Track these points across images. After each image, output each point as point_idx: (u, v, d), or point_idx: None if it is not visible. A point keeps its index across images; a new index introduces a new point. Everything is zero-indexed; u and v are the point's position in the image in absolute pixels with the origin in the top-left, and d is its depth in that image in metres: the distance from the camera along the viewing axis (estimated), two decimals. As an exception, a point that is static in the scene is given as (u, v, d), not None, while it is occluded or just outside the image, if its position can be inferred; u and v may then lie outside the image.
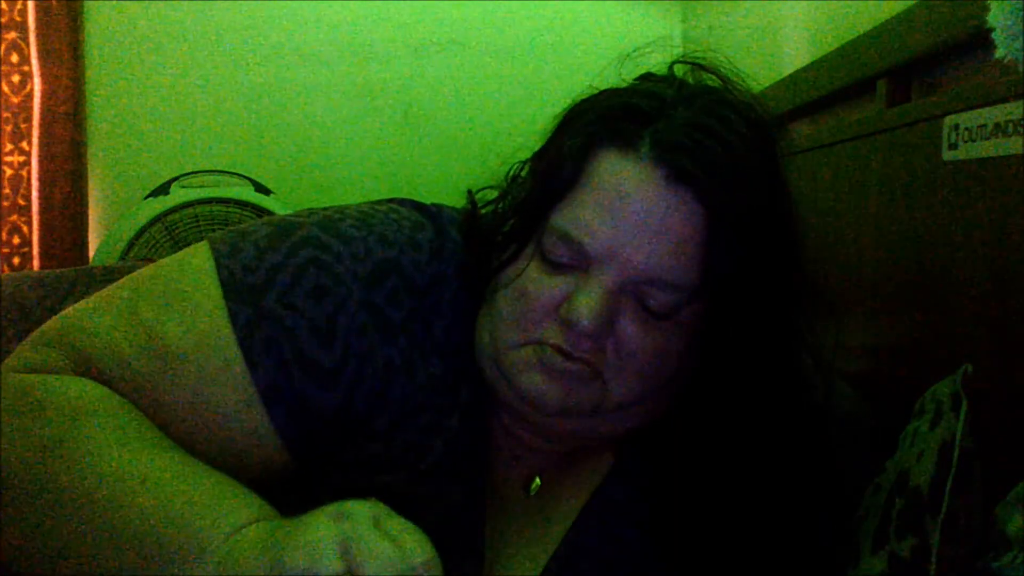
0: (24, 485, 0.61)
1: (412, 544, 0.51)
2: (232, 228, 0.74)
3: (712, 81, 0.72)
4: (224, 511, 0.57)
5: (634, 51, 0.75)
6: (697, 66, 0.73)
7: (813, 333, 0.73)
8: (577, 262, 0.67)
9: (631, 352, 0.67)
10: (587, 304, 0.65)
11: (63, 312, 0.71)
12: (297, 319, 0.68)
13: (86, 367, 0.67)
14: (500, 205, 0.76)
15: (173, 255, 0.74)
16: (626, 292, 0.66)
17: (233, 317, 0.67)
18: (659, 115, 0.68)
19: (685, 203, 0.66)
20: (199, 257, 0.71)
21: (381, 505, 0.55)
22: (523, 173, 0.76)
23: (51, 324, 0.70)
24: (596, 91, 0.73)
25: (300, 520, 0.53)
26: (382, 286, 0.70)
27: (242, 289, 0.68)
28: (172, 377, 0.67)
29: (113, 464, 0.60)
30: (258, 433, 0.68)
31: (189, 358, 0.67)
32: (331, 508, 0.53)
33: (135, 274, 0.73)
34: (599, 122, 0.69)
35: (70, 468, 0.60)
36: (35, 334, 0.70)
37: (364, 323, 0.69)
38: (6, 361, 0.68)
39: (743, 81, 0.73)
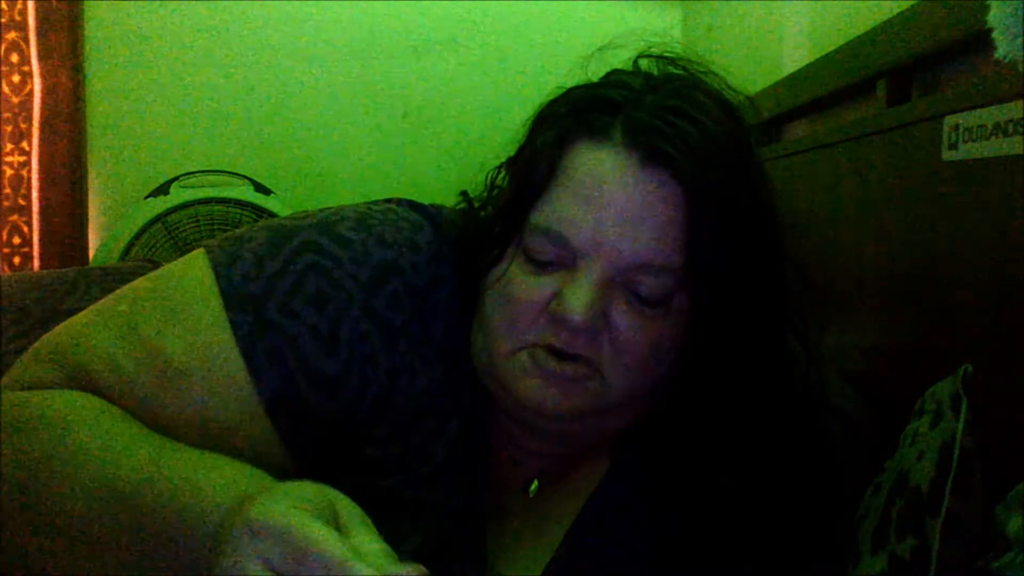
0: (19, 502, 0.61)
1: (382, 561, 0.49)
2: (228, 235, 0.73)
3: (678, 73, 0.73)
4: (215, 487, 0.55)
5: (599, 49, 0.75)
6: (662, 59, 0.73)
7: (803, 320, 0.73)
8: (563, 258, 0.67)
9: (627, 343, 0.66)
10: (578, 298, 0.65)
11: (61, 325, 0.71)
12: (299, 327, 0.67)
13: (86, 383, 0.66)
14: (483, 211, 0.76)
15: (169, 266, 0.73)
16: (615, 283, 0.66)
17: (235, 327, 0.67)
18: (629, 103, 0.68)
19: (663, 184, 0.66)
20: (197, 267, 0.70)
21: (356, 509, 0.53)
22: (500, 179, 0.76)
23: (49, 339, 0.70)
24: (563, 90, 0.73)
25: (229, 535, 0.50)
26: (382, 290, 0.70)
27: (243, 298, 0.68)
28: (175, 392, 0.66)
29: (104, 468, 0.59)
30: (263, 443, 0.67)
31: (191, 372, 0.66)
32: (264, 518, 0.49)
33: (133, 286, 0.72)
34: (570, 116, 0.69)
35: (62, 480, 0.60)
36: (33, 349, 0.70)
37: (366, 329, 0.69)
38: (5, 377, 0.68)
39: (708, 69, 0.73)
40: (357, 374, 0.69)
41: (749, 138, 0.71)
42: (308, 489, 0.52)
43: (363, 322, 0.69)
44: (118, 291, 0.72)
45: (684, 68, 0.72)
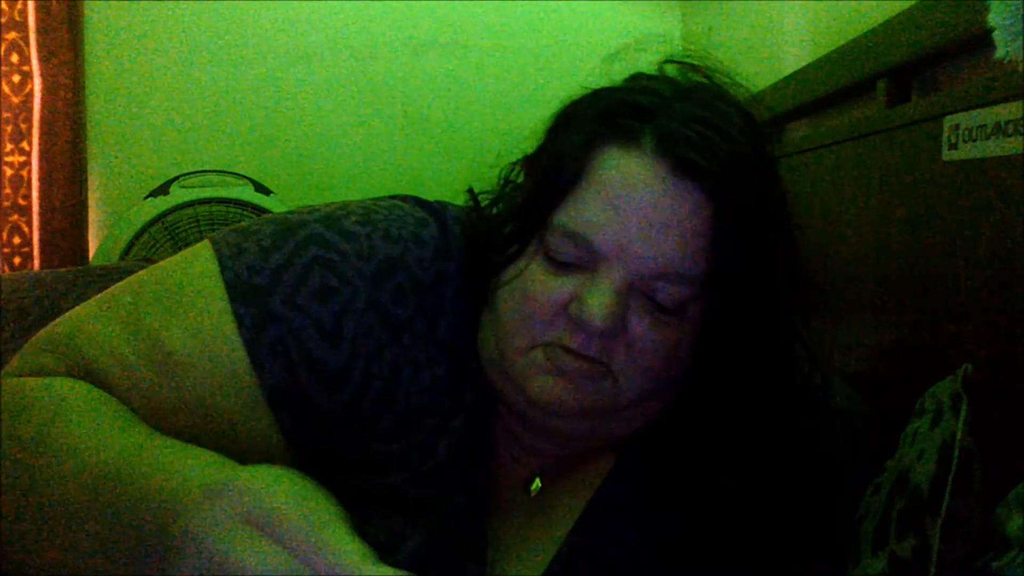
0: (10, 485, 0.61)
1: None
2: (234, 227, 0.73)
3: (700, 80, 0.73)
4: (189, 472, 0.54)
5: (620, 50, 0.75)
6: (686, 66, 0.73)
7: (809, 328, 0.73)
8: (584, 261, 0.67)
9: (643, 349, 0.66)
10: (599, 303, 0.64)
11: (64, 316, 0.71)
12: (304, 320, 0.67)
13: (86, 372, 0.66)
14: (495, 209, 0.76)
15: (174, 257, 0.73)
16: (636, 289, 0.66)
17: (239, 319, 0.67)
18: (659, 110, 0.68)
19: (691, 195, 0.66)
20: (202, 259, 0.70)
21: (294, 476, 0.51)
22: (514, 175, 0.76)
23: (52, 329, 0.70)
24: (589, 91, 0.73)
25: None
26: (388, 284, 0.70)
27: (247, 290, 0.68)
28: (177, 383, 0.66)
29: (87, 454, 0.59)
30: (264, 437, 0.67)
31: (194, 364, 0.66)
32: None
33: (136, 277, 0.72)
34: (599, 119, 0.69)
35: (46, 464, 0.60)
36: (35, 338, 0.70)
37: (371, 323, 0.69)
38: (7, 367, 0.68)
39: (731, 79, 0.73)
40: (361, 368, 0.69)
41: (770, 149, 0.72)
42: (284, 471, 0.52)
43: (368, 316, 0.69)
44: (121, 283, 0.72)
45: (706, 76, 0.72)
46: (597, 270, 0.66)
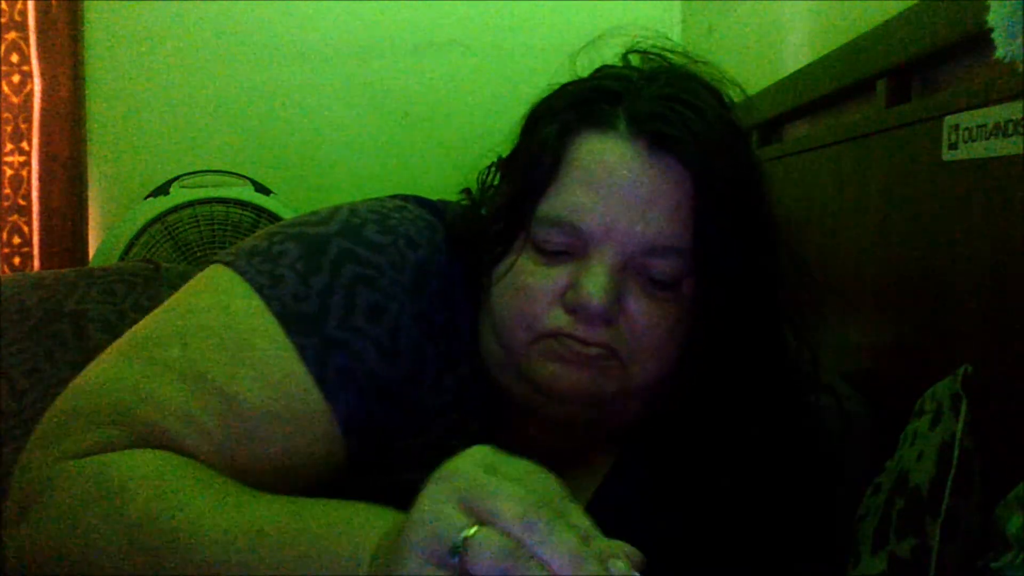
0: (125, 567, 0.56)
1: (537, 482, 0.48)
2: (243, 248, 0.70)
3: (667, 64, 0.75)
4: (359, 529, 0.52)
5: (589, 43, 0.78)
6: (648, 54, 0.75)
7: (801, 312, 0.74)
8: (574, 247, 0.67)
9: (644, 328, 0.67)
10: (594, 284, 0.65)
11: (103, 381, 0.65)
12: (363, 341, 0.66)
13: (157, 440, 0.62)
14: (482, 209, 0.76)
15: (196, 293, 0.69)
16: (628, 269, 0.67)
17: (301, 351, 0.65)
18: (628, 92, 0.70)
19: (669, 168, 0.67)
20: (237, 294, 0.67)
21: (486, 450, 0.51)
22: (490, 179, 0.76)
23: (99, 400, 0.64)
24: (556, 86, 0.75)
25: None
26: (425, 292, 0.70)
27: (300, 319, 0.66)
28: (261, 436, 0.63)
29: (218, 528, 0.54)
30: (339, 461, 0.67)
31: (271, 411, 0.64)
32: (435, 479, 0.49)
33: (168, 325, 0.68)
34: (572, 108, 0.71)
35: (170, 543, 0.55)
36: (73, 408, 0.64)
37: (419, 334, 0.69)
38: (51, 449, 0.62)
39: (692, 58, 0.75)
40: (415, 379, 0.69)
41: (738, 121, 0.73)
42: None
43: (415, 328, 0.69)
44: (147, 330, 0.68)
45: (669, 61, 0.74)
46: (588, 254, 0.67)
